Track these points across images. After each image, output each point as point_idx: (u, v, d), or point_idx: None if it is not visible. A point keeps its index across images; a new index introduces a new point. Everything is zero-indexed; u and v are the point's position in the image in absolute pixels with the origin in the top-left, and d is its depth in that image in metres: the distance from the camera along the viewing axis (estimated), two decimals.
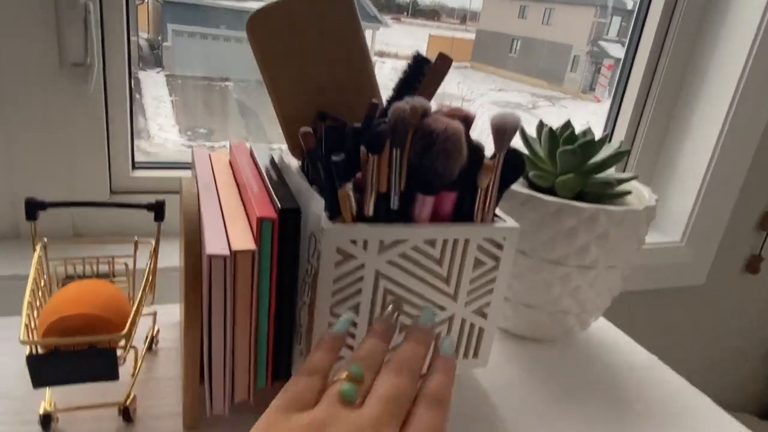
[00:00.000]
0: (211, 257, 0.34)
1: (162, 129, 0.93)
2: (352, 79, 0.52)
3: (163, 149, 0.89)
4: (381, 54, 1.15)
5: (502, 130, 0.45)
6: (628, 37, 1.00)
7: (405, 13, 1.11)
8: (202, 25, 0.94)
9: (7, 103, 0.62)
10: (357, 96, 0.51)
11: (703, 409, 0.55)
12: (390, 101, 0.52)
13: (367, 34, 1.08)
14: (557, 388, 0.55)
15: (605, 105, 1.07)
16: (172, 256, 0.64)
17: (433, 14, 1.16)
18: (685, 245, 1.01)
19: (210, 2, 0.92)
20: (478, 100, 1.30)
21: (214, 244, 0.35)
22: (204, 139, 0.97)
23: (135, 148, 0.74)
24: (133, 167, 0.75)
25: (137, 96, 0.89)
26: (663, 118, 1.01)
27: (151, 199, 0.47)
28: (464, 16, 1.19)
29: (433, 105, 0.49)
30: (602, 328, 0.68)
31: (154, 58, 0.94)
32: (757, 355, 1.30)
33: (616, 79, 1.02)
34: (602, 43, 1.22)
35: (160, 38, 0.92)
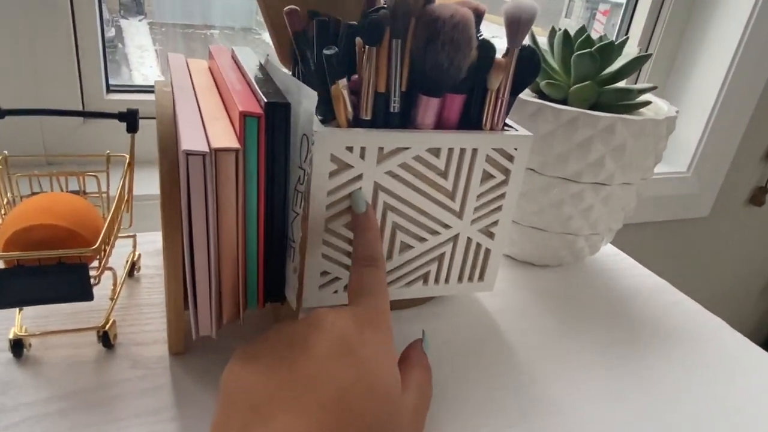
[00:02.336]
0: (188, 154, 0.30)
1: (147, 80, 0.88)
2: None
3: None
4: None
5: (516, 21, 0.40)
6: None
7: None
8: None
9: None
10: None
11: (719, 330, 0.53)
12: None
13: None
14: (565, 312, 0.53)
15: None
16: (152, 183, 0.59)
17: None
18: (691, 175, 0.98)
19: None
20: None
21: (190, 142, 0.31)
22: None
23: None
24: (107, 90, 0.69)
25: (120, 45, 0.83)
26: (672, 42, 0.95)
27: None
28: None
29: None
30: (611, 253, 0.65)
31: (135, 5, 0.88)
32: (757, 288, 1.30)
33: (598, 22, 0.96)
34: None
35: None
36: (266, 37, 0.98)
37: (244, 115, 0.32)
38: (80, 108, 0.65)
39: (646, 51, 0.93)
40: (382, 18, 0.37)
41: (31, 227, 0.33)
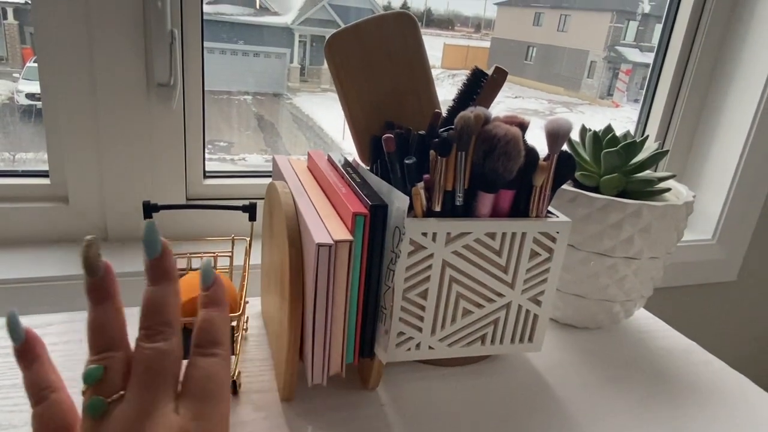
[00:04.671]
0: (319, 246, 0.41)
1: None
2: (416, 93, 0.58)
3: None
4: None
5: (556, 134, 0.51)
6: (657, 41, 1.04)
7: (420, 24, 1.16)
8: (220, 41, 0.98)
9: (101, 120, 0.70)
10: (419, 107, 0.58)
11: (743, 388, 0.60)
12: (451, 111, 0.58)
13: None
14: (604, 370, 0.60)
15: (623, 110, 1.10)
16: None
17: (447, 23, 1.18)
18: (717, 243, 1.05)
19: (228, 18, 0.97)
20: (495, 108, 1.34)
21: (320, 235, 0.42)
22: (224, 152, 1.01)
23: None
24: (204, 176, 0.82)
25: None
26: (692, 119, 1.05)
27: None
28: (479, 25, 1.21)
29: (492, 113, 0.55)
30: (643, 317, 0.72)
31: None
32: None
33: (646, 83, 1.07)
34: (619, 48, 1.25)
35: None
36: (296, 101, 1.09)
37: (355, 215, 0.43)
38: (184, 193, 0.79)
39: (670, 117, 1.04)
40: (451, 136, 0.48)
41: (193, 298, 0.44)
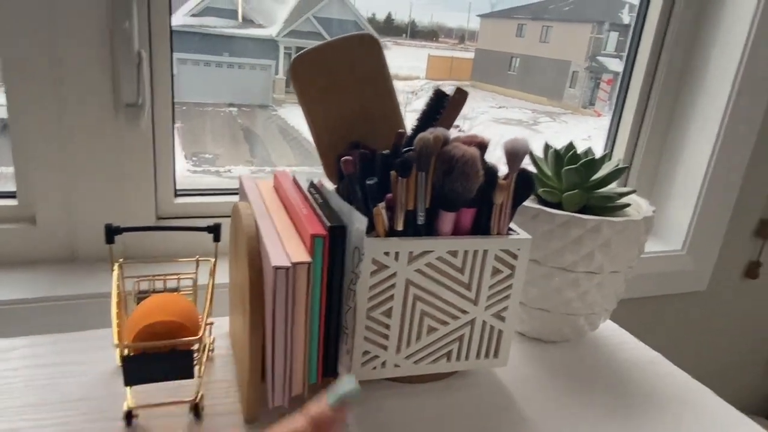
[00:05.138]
0: (276, 269, 0.41)
1: None
2: (380, 113, 0.59)
3: None
4: None
5: (514, 153, 0.52)
6: (626, 52, 1.07)
7: (404, 35, 1.14)
8: (206, 53, 0.98)
9: (69, 141, 0.70)
10: (385, 127, 0.59)
11: (705, 399, 0.61)
12: (414, 131, 0.59)
13: None
14: (569, 382, 0.61)
15: (605, 119, 1.13)
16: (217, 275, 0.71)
17: (431, 35, 1.19)
18: (686, 253, 1.07)
19: (213, 30, 0.97)
20: (480, 117, 1.35)
21: (277, 258, 0.42)
22: (209, 164, 1.01)
23: None
24: (175, 195, 0.82)
25: None
26: (660, 132, 1.08)
27: (195, 223, 0.54)
28: (462, 36, 1.22)
29: (452, 133, 0.56)
30: (610, 329, 0.74)
31: None
32: (763, 358, 1.35)
33: (615, 95, 1.09)
34: (600, 59, 1.27)
35: None
36: (282, 113, 1.09)
37: (313, 236, 0.44)
38: (154, 212, 0.78)
39: (639, 130, 1.06)
40: (411, 157, 0.49)
41: (152, 323, 0.44)
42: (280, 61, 1.06)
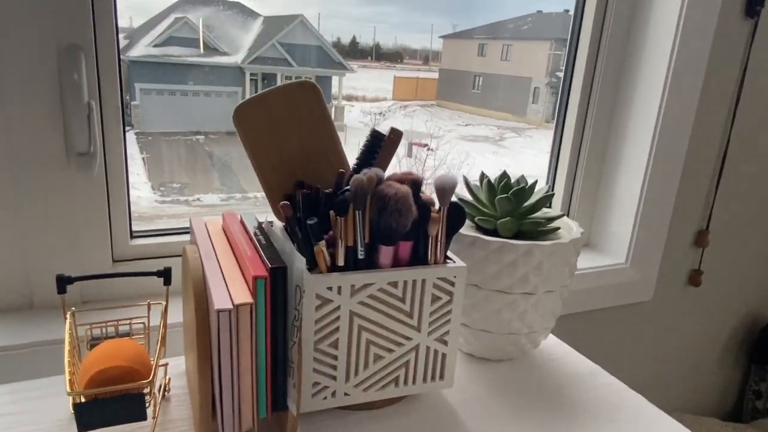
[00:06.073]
0: (219, 311, 0.44)
1: (134, 186, 0.96)
2: (323, 152, 0.63)
3: (136, 207, 0.88)
4: (349, 98, 1.19)
5: (443, 189, 0.56)
6: (563, 72, 1.13)
7: (369, 58, 1.17)
8: (169, 82, 0.99)
9: (21, 188, 0.71)
10: (328, 165, 0.63)
11: (640, 406, 0.65)
12: (354, 169, 0.62)
13: (334, 80, 1.17)
14: (515, 398, 0.65)
15: None
16: (173, 314, 0.72)
17: (396, 57, 1.22)
18: (630, 266, 1.13)
19: (176, 60, 0.98)
20: (447, 135, 1.39)
21: (220, 301, 0.45)
22: (177, 193, 1.00)
23: None
24: (131, 236, 0.84)
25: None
26: (598, 152, 1.15)
27: (151, 264, 0.56)
28: (426, 57, 1.26)
29: (389, 171, 0.60)
30: (553, 345, 0.78)
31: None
32: (714, 360, 1.42)
33: (555, 113, 1.16)
34: (559, 74, 1.34)
35: (127, 97, 0.92)
36: None
37: (255, 278, 0.47)
38: (110, 255, 0.80)
39: (578, 154, 1.13)
40: (347, 197, 0.53)
41: (104, 369, 0.46)
42: (246, 88, 1.06)
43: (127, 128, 0.92)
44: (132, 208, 0.84)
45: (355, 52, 1.11)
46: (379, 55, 1.17)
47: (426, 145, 1.41)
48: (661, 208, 1.13)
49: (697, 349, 1.38)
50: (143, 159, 0.98)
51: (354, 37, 1.11)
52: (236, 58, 1.05)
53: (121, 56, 0.75)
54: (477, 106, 1.39)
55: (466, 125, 1.40)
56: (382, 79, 1.24)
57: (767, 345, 1.40)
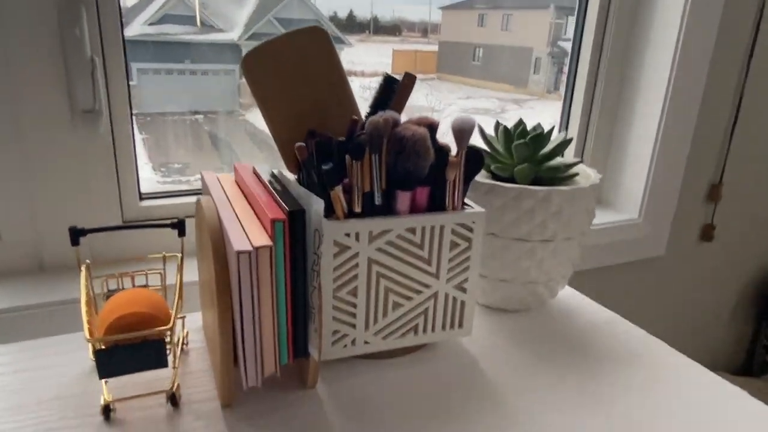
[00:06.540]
0: (239, 253, 0.43)
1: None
2: (335, 102, 0.61)
3: None
4: (348, 73, 1.21)
5: (461, 132, 0.54)
6: (572, 36, 1.11)
7: (367, 32, 1.14)
8: (166, 61, 0.97)
9: (28, 150, 0.70)
10: (340, 114, 0.61)
11: (660, 351, 0.65)
12: (367, 116, 0.61)
13: None
14: (533, 347, 0.64)
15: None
16: (186, 273, 0.72)
17: (394, 30, 1.19)
18: (643, 221, 1.12)
19: (173, 38, 0.96)
20: (448, 109, 1.37)
21: (239, 243, 0.44)
22: (178, 173, 1.00)
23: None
24: (140, 198, 0.82)
25: None
26: (610, 107, 1.12)
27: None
28: (425, 29, 1.23)
29: (403, 116, 0.59)
30: (570, 295, 0.77)
31: None
32: (726, 315, 1.42)
33: (565, 76, 1.14)
34: (561, 44, 1.31)
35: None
36: (249, 117, 1.10)
37: (273, 221, 0.46)
38: (120, 216, 0.79)
39: (590, 106, 1.11)
40: (363, 141, 0.51)
41: (123, 315, 0.45)
42: None
43: None
44: None
45: (352, 25, 1.09)
46: (377, 28, 1.14)
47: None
48: (674, 162, 1.11)
49: (709, 305, 1.37)
50: (143, 140, 0.96)
51: (351, 11, 1.09)
52: (232, 35, 1.03)
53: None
54: (478, 78, 1.37)
55: (467, 98, 1.38)
56: (381, 53, 1.21)
57: None
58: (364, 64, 1.20)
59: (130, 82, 0.94)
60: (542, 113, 1.35)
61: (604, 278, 1.16)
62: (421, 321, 0.59)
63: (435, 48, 1.28)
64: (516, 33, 1.33)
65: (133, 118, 0.78)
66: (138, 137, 0.95)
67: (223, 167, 1.07)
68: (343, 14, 1.07)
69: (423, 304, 0.58)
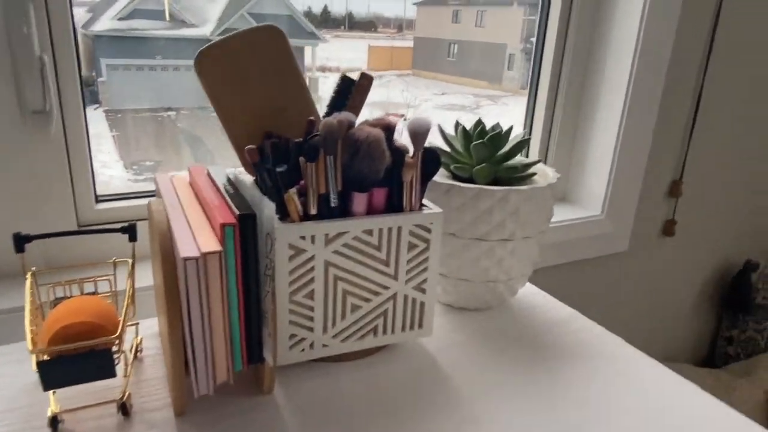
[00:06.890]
0: (185, 260, 0.42)
1: (105, 166, 0.92)
2: (291, 102, 0.60)
3: (109, 187, 0.87)
4: (323, 69, 1.16)
5: (416, 133, 0.54)
6: (535, 34, 1.12)
7: (342, 27, 1.13)
8: (136, 57, 0.95)
9: None
10: (297, 116, 0.60)
11: (618, 347, 0.66)
12: (325, 117, 0.60)
13: (307, 51, 1.13)
14: (495, 345, 0.65)
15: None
16: (142, 277, 0.70)
17: (369, 26, 1.19)
18: (605, 217, 1.14)
19: (143, 33, 0.94)
20: (423, 105, 1.37)
21: (186, 249, 0.43)
22: (151, 171, 0.98)
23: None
24: (96, 201, 0.80)
25: None
26: (573, 104, 1.14)
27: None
28: (400, 25, 1.22)
29: (376, 113, 0.58)
30: (531, 293, 0.78)
31: (89, 94, 0.90)
32: (688, 308, 1.45)
33: (529, 74, 1.15)
34: (534, 40, 1.33)
35: (94, 74, 0.91)
36: None
37: (223, 225, 0.45)
38: (74, 220, 0.77)
39: (553, 106, 1.12)
40: (317, 142, 0.51)
41: (68, 325, 0.44)
42: None
43: (95, 105, 0.89)
44: (105, 189, 0.80)
45: (327, 21, 1.07)
46: (352, 24, 1.14)
47: (403, 115, 1.38)
48: (635, 159, 1.13)
49: (672, 298, 1.41)
50: (113, 137, 0.94)
51: (326, 6, 1.08)
52: (204, 30, 1.01)
53: (85, 31, 0.71)
54: (453, 75, 1.37)
55: (443, 94, 1.38)
56: (356, 48, 1.21)
57: (738, 293, 1.44)
58: (340, 60, 1.19)
59: (100, 79, 0.92)
60: (515, 109, 1.37)
61: (568, 274, 1.17)
62: (380, 322, 0.59)
63: (410, 44, 1.28)
64: (490, 29, 1.33)
65: (86, 115, 0.76)
66: (108, 135, 0.93)
67: (197, 164, 1.05)
68: (317, 9, 1.06)
69: (382, 305, 0.58)
